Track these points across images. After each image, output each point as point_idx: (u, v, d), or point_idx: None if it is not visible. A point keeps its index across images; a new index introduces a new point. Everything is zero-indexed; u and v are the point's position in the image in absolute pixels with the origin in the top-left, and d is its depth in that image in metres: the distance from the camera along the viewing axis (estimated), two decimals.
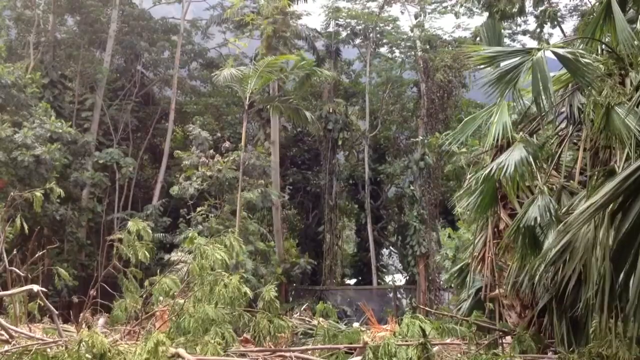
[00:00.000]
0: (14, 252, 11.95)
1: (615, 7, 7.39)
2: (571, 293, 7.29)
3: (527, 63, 7.20)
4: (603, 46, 8.16)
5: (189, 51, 36.78)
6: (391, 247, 37.99)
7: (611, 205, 6.03)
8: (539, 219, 7.64)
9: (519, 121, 9.45)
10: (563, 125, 9.54)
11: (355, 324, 8.00)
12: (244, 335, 9.38)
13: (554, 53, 7.24)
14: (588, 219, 6.15)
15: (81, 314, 10.53)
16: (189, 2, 35.80)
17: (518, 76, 7.26)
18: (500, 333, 8.87)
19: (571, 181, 8.99)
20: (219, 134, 28.64)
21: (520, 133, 8.76)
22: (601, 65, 7.81)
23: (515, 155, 7.92)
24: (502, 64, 7.54)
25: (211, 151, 25.61)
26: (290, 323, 9.65)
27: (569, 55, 7.19)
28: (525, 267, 8.07)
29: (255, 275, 21.83)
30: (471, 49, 8.76)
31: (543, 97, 7.06)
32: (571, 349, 7.43)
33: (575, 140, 9.40)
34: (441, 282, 29.61)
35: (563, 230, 6.78)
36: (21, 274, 10.51)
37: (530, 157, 7.96)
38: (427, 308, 22.22)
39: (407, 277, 33.52)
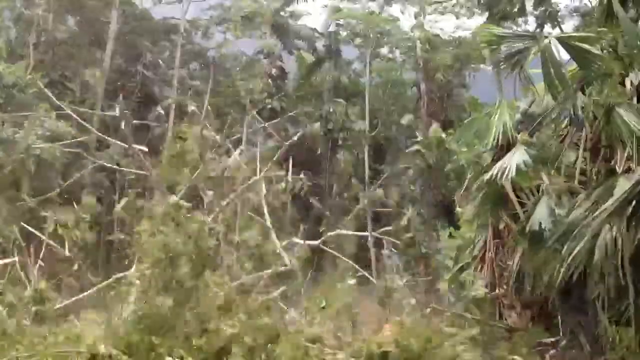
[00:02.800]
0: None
1: (617, 7, 7.40)
2: (575, 293, 7.30)
3: (531, 50, 7.14)
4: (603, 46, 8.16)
5: (189, 51, 36.76)
6: (391, 247, 37.93)
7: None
8: (542, 220, 7.65)
9: (520, 120, 9.46)
10: (563, 125, 9.55)
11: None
12: None
13: (562, 43, 7.18)
14: (602, 224, 6.12)
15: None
16: (189, 2, 35.79)
17: (526, 58, 7.21)
18: (501, 332, 8.88)
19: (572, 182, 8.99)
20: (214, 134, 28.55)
21: (521, 133, 8.78)
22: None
23: (517, 157, 7.93)
24: (507, 46, 7.47)
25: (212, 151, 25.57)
26: None
27: (581, 45, 7.09)
28: (527, 267, 8.08)
29: None
30: (483, 27, 8.75)
31: (557, 84, 6.99)
32: (572, 350, 7.43)
33: (575, 141, 9.40)
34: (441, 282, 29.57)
35: (566, 230, 6.79)
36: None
37: (531, 159, 7.97)
38: (427, 308, 22.17)
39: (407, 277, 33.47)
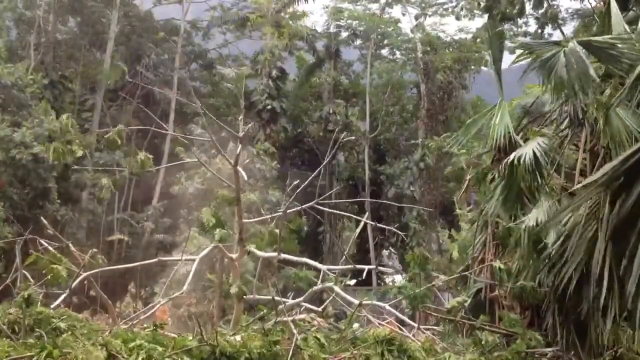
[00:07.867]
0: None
1: (615, 8, 7.40)
2: (573, 293, 7.28)
3: (560, 54, 7.11)
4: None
5: (189, 52, 36.79)
6: (391, 248, 37.98)
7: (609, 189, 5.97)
8: (539, 219, 7.63)
9: (522, 118, 9.44)
10: (563, 126, 9.55)
11: (356, 325, 7.99)
12: None
13: (584, 44, 7.16)
14: (588, 197, 6.08)
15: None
16: (189, 3, 35.81)
17: (557, 63, 7.16)
18: (501, 334, 8.84)
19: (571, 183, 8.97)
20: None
21: (533, 128, 8.74)
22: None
23: (533, 144, 7.87)
24: (539, 54, 7.43)
25: (213, 151, 25.57)
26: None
27: (603, 45, 7.10)
28: (526, 267, 8.06)
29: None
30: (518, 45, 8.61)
31: (584, 85, 6.95)
32: (572, 351, 7.42)
33: (575, 142, 9.39)
34: (441, 283, 29.57)
35: (565, 231, 6.78)
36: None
37: (547, 147, 7.94)
38: (427, 310, 22.12)
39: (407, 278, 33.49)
